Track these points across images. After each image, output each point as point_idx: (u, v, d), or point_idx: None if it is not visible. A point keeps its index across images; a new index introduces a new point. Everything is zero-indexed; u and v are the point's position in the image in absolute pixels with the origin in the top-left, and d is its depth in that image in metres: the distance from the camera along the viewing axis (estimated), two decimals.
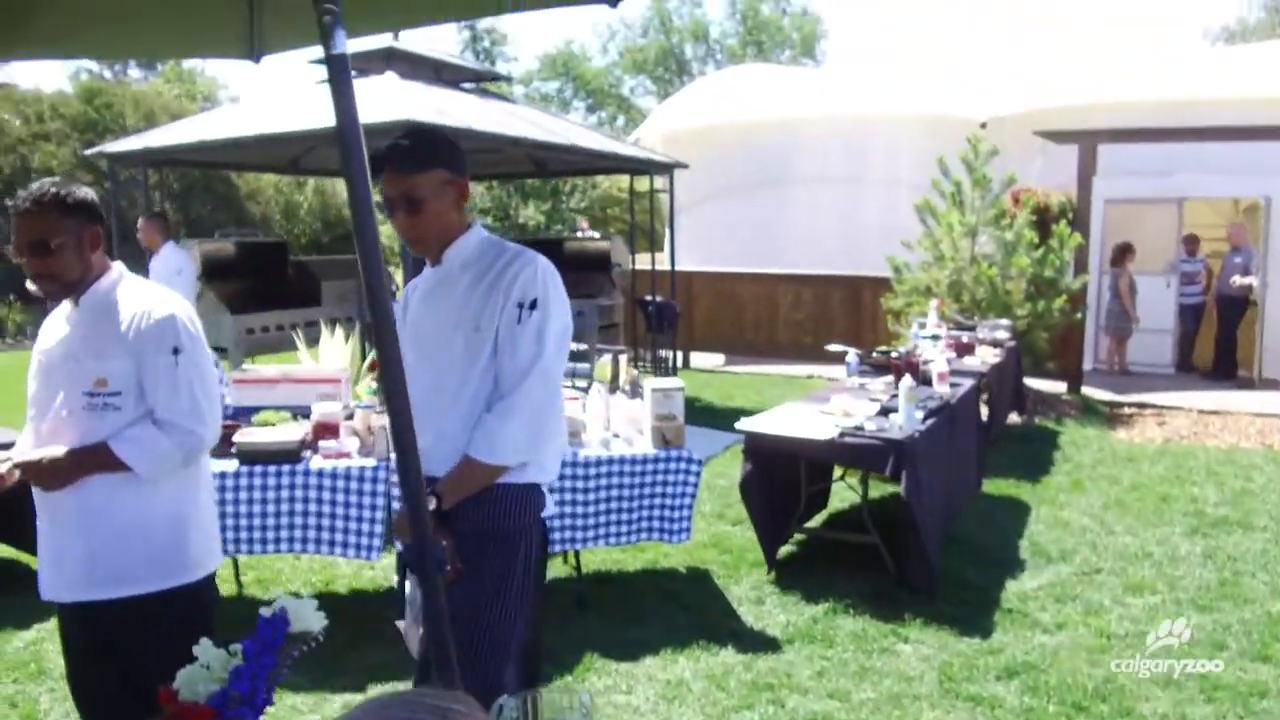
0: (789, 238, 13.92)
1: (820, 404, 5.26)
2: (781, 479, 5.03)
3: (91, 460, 2.40)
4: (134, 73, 31.49)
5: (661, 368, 10.51)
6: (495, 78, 11.70)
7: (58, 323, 2.57)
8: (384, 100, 7.15)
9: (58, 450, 2.42)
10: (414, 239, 2.48)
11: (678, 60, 39.74)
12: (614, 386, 4.93)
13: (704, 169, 12.38)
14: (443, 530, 2.36)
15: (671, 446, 4.39)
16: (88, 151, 10.01)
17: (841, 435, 4.66)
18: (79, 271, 2.47)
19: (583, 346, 10.78)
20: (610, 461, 4.35)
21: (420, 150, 2.42)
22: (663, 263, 11.83)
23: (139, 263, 7.83)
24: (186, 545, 2.53)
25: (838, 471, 5.59)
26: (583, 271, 10.75)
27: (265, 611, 1.48)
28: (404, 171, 2.39)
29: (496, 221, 22.33)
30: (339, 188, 21.70)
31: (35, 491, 2.51)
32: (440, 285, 2.52)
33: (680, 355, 11.64)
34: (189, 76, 31.86)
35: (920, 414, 4.89)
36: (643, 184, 11.44)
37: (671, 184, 10.31)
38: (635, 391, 4.93)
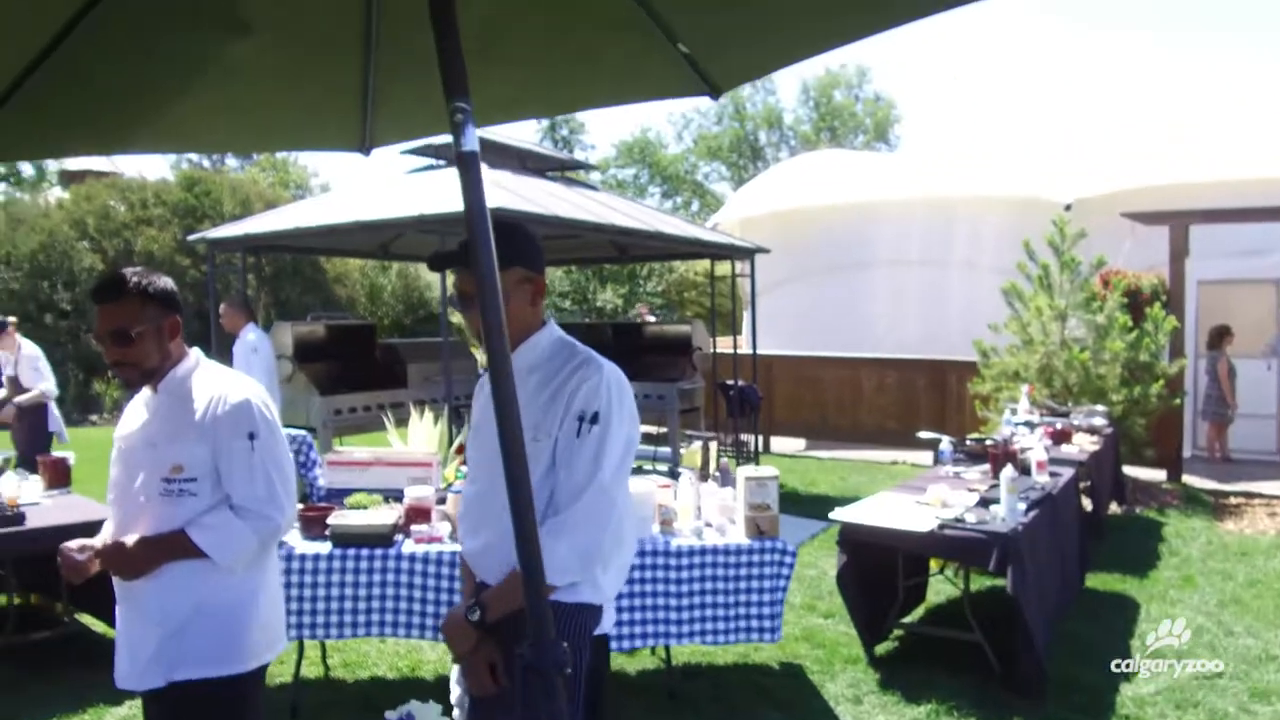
0: (869, 321, 13.82)
1: (916, 494, 5.12)
2: (878, 571, 4.87)
3: (169, 549, 2.42)
4: (231, 162, 33.00)
5: (743, 453, 10.39)
6: (578, 166, 11.94)
7: (138, 408, 2.61)
8: None
9: (136, 539, 2.43)
10: (475, 333, 2.45)
11: (751, 146, 40.30)
12: (704, 474, 4.87)
13: (783, 253, 12.40)
14: (488, 644, 2.28)
15: (766, 537, 4.29)
16: (191, 237, 10.43)
17: (941, 527, 4.51)
18: (158, 360, 2.51)
19: (662, 429, 10.75)
20: (703, 551, 4.26)
21: (499, 248, 2.33)
22: (742, 346, 11.80)
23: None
24: (246, 634, 2.51)
25: (935, 564, 5.41)
26: (663, 355, 10.77)
27: (392, 716, 1.44)
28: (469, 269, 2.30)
29: (575, 305, 22.64)
30: (421, 271, 22.25)
31: (115, 578, 2.53)
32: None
33: (760, 439, 11.51)
34: (282, 165, 33.27)
35: (1022, 505, 4.72)
36: (722, 268, 11.49)
37: (753, 268, 10.32)
38: (725, 479, 4.85)
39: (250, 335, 8.07)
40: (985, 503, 4.83)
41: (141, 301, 2.47)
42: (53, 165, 27.93)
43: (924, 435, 6.69)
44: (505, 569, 2.27)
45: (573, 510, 2.24)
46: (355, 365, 10.07)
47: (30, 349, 8.03)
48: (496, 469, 2.34)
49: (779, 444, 12.68)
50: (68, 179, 24.67)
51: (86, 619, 5.18)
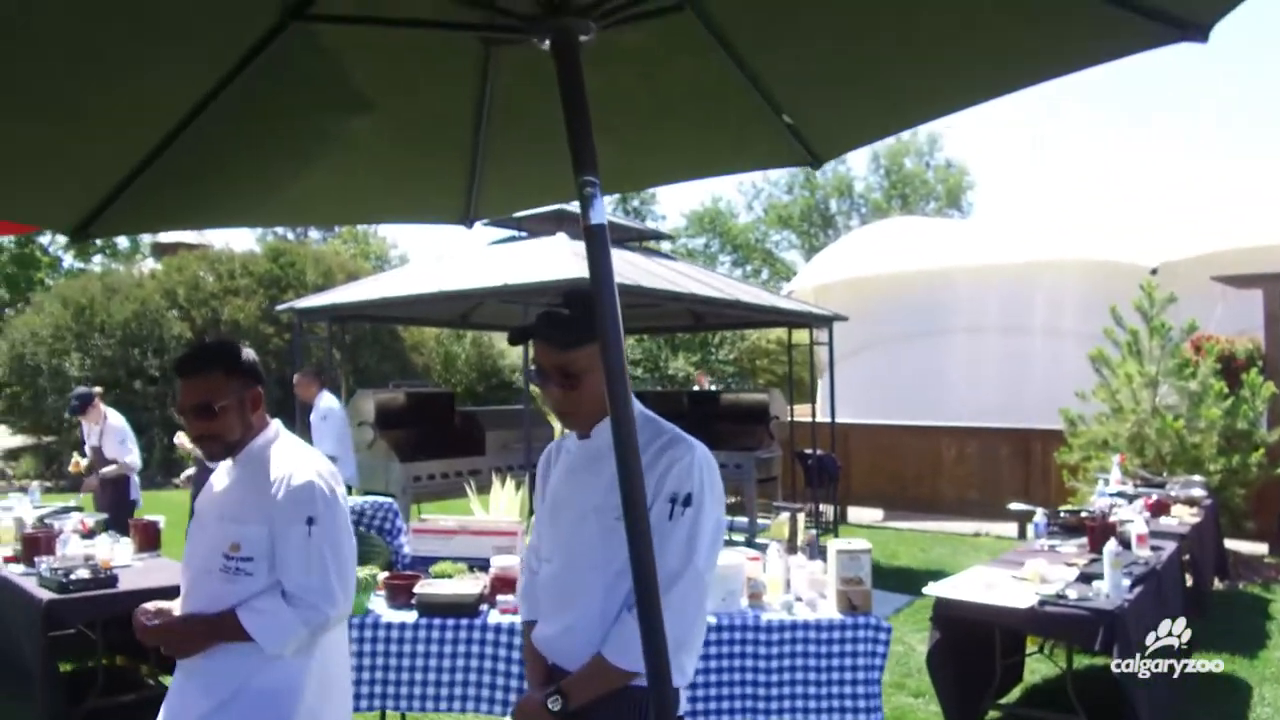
0: (946, 388, 13.59)
1: (1011, 568, 4.94)
2: (972, 649, 4.70)
3: (218, 630, 2.39)
4: (313, 234, 34.08)
5: (820, 524, 10.21)
6: (653, 236, 12.08)
7: (220, 477, 2.60)
8: (559, 260, 7.44)
9: (187, 617, 2.43)
10: (566, 413, 2.29)
11: (822, 215, 40.38)
12: (792, 545, 4.76)
13: (857, 320, 12.31)
14: None
15: (859, 612, 4.17)
16: (280, 308, 10.75)
17: (1042, 604, 4.34)
18: (240, 432, 2.49)
19: (734, 499, 10.63)
20: (794, 626, 4.14)
21: (579, 322, 2.19)
22: (817, 414, 11.67)
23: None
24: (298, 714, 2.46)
25: (1032, 642, 5.20)
26: (740, 423, 10.69)
27: None
28: (562, 346, 2.20)
29: (646, 373, 22.73)
30: (495, 340, 22.55)
31: None
32: (588, 462, 2.29)
33: (836, 510, 11.31)
34: (363, 238, 34.26)
35: (1126, 581, 4.53)
36: (797, 336, 11.45)
37: (831, 336, 10.25)
38: (813, 551, 4.75)
39: (322, 403, 8.30)
40: (1087, 578, 4.64)
41: (225, 375, 2.47)
42: (146, 237, 29.12)
43: (1015, 507, 6.49)
44: (584, 653, 2.20)
45: (668, 597, 2.12)
46: (434, 432, 10.18)
47: (116, 421, 8.27)
48: (576, 548, 2.27)
49: (856, 514, 12.44)
50: (160, 251, 25.70)
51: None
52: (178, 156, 2.15)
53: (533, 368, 2.26)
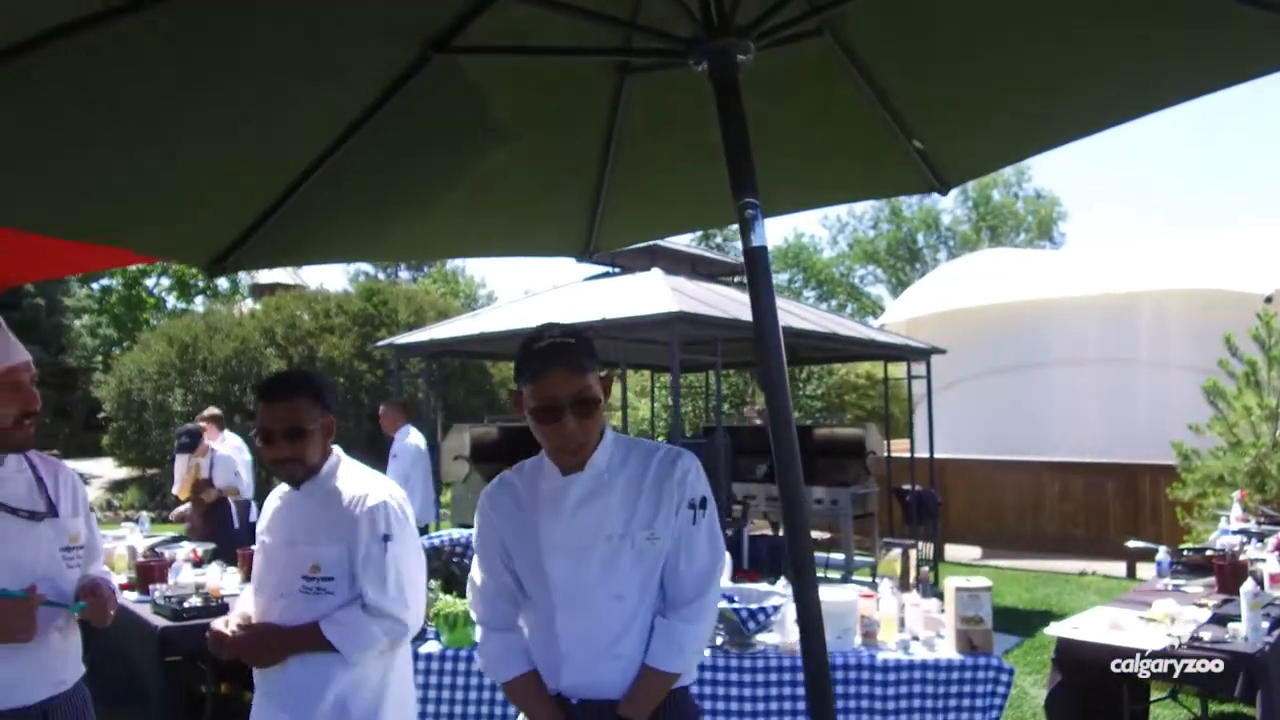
0: (1044, 422, 13.19)
1: (1136, 608, 4.72)
2: (1096, 694, 4.48)
3: (301, 641, 2.49)
4: (404, 274, 34.90)
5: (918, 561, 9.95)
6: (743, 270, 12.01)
7: (276, 504, 2.70)
8: (655, 294, 7.45)
9: (268, 627, 2.52)
10: (577, 445, 2.18)
11: (909, 249, 39.84)
12: (904, 583, 4.64)
13: (952, 354, 12.06)
14: None
15: (979, 652, 4.02)
16: (380, 344, 10.98)
17: (1175, 646, 4.13)
18: (319, 457, 2.60)
19: (826, 535, 10.41)
20: (911, 666, 4.02)
21: (585, 348, 2.18)
22: (906, 449, 11.42)
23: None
24: None
25: (1158, 688, 4.95)
26: (834, 458, 10.49)
27: None
28: (579, 370, 2.13)
29: (732, 409, 22.54)
30: None
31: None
32: (590, 495, 2.22)
33: (935, 547, 11.03)
34: (452, 277, 34.94)
35: (1265, 623, 4.28)
36: (890, 370, 11.27)
37: (928, 369, 10.05)
38: (926, 589, 4.62)
39: (403, 437, 8.62)
40: (1221, 619, 4.41)
41: (312, 399, 2.58)
42: (245, 279, 30.16)
43: (1133, 544, 6.22)
44: (629, 675, 2.20)
45: (705, 596, 2.24)
46: None
47: (227, 451, 8.47)
48: (593, 580, 2.18)
49: (953, 552, 12.09)
50: (258, 291, 26.56)
51: None
52: (310, 193, 2.20)
53: (535, 405, 2.14)
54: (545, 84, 2.06)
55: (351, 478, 2.64)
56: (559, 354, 2.13)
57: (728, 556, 2.38)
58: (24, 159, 1.74)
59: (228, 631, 2.60)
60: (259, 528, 2.77)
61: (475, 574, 2.36)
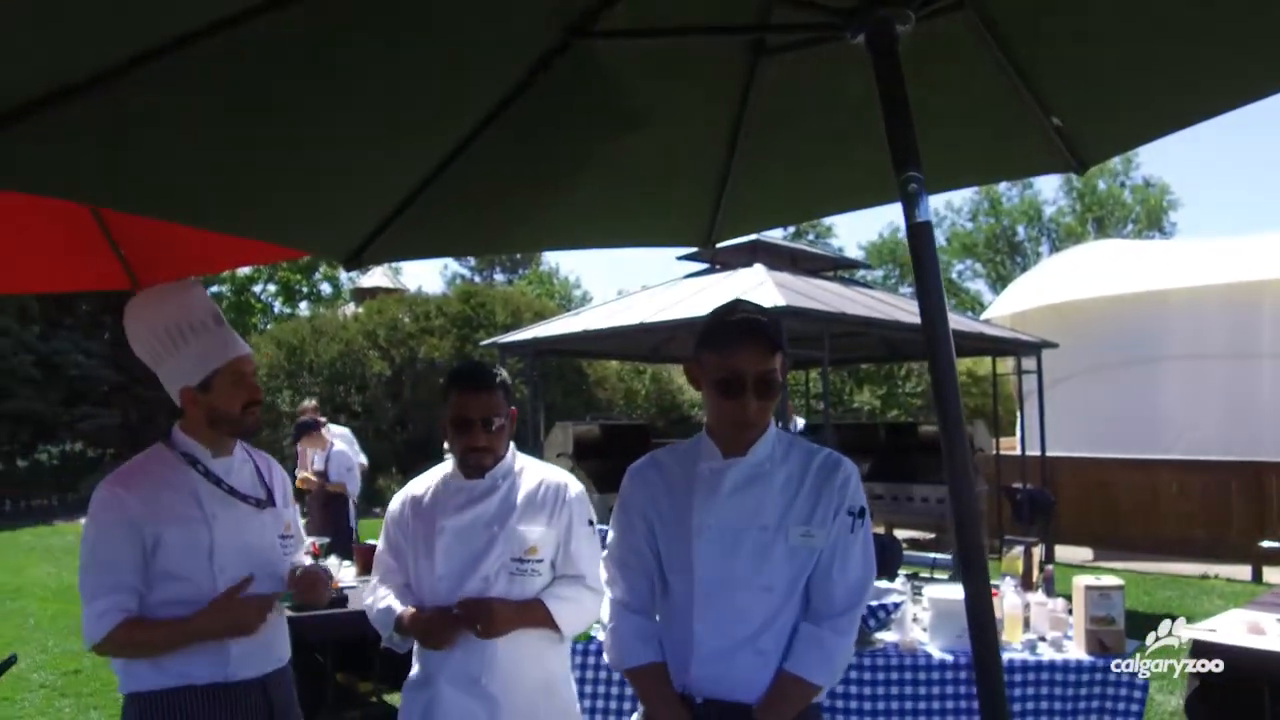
0: (1160, 419, 12.66)
1: (1273, 611, 4.49)
2: (1237, 698, 4.27)
3: (528, 615, 2.55)
4: (499, 276, 35.45)
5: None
6: (847, 264, 11.85)
7: (441, 490, 2.69)
8: (757, 290, 7.39)
9: (499, 600, 2.52)
10: (751, 423, 2.17)
11: (1009, 242, 38.81)
12: (1027, 582, 4.49)
13: (1062, 348, 11.69)
14: None
15: (1111, 654, 3.87)
16: (483, 343, 11.17)
17: None
18: (504, 449, 2.67)
19: (928, 535, 10.19)
20: (1039, 667, 3.89)
21: (775, 330, 2.18)
22: (1016, 448, 11.10)
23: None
24: (574, 703, 2.75)
25: None
26: (939, 456, 10.26)
27: None
28: (769, 350, 2.11)
29: (832, 407, 22.32)
30: (675, 375, 22.70)
31: (428, 658, 2.59)
32: (748, 481, 2.21)
33: (1046, 548, 10.69)
34: (547, 277, 35.38)
35: None
36: (994, 366, 10.95)
37: (1039, 364, 9.74)
38: (1049, 588, 4.46)
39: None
40: None
41: (504, 392, 2.65)
42: (346, 283, 31.02)
43: (1269, 545, 5.92)
44: (764, 674, 2.15)
45: (856, 609, 2.20)
46: (630, 463, 10.24)
47: (343, 446, 8.72)
48: (739, 569, 2.14)
49: (1063, 553, 11.70)
50: (360, 295, 27.27)
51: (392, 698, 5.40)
52: (443, 185, 2.22)
53: (724, 377, 2.12)
54: (675, 69, 2.04)
55: (538, 467, 2.76)
56: (753, 329, 2.12)
57: None
58: (192, 157, 1.79)
59: (427, 615, 2.55)
60: (441, 520, 2.66)
61: (614, 552, 2.35)
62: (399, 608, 2.60)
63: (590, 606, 2.62)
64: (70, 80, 1.46)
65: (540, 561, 2.59)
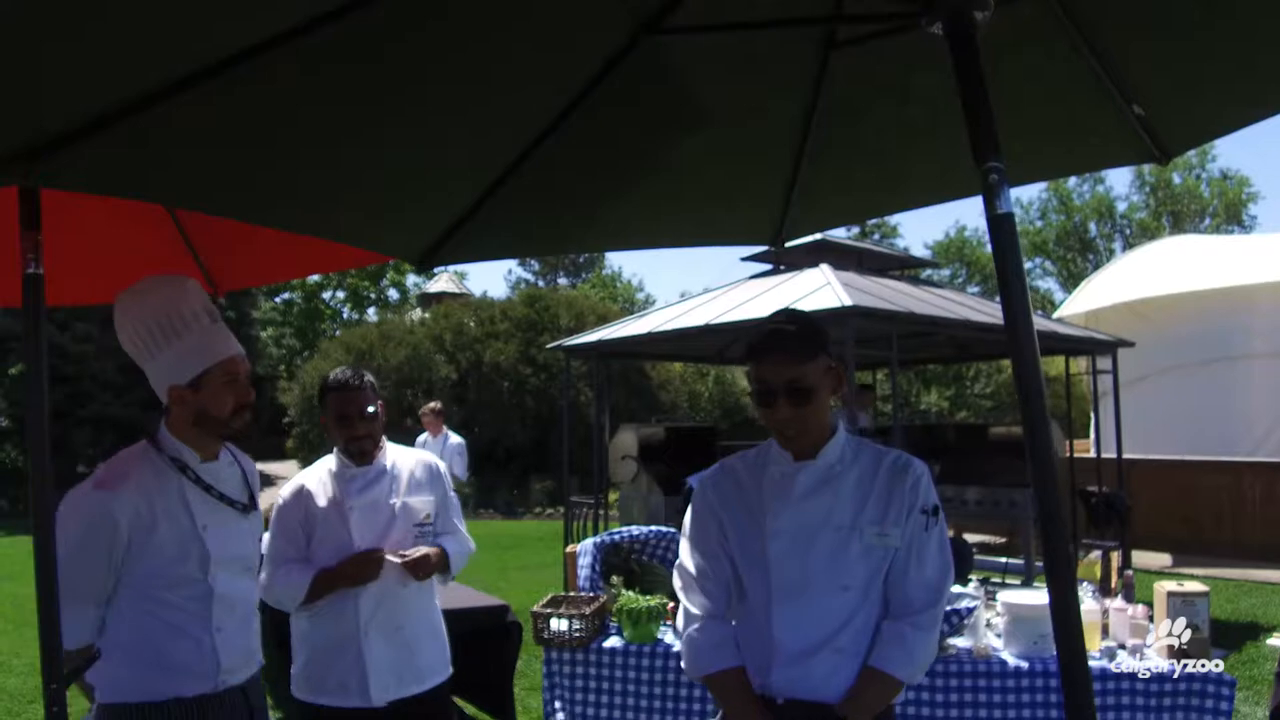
0: (1244, 420, 12.23)
1: None
2: None
3: (439, 561, 3.11)
4: (562, 279, 35.69)
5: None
6: (914, 264, 11.67)
7: (345, 479, 3.07)
8: (823, 290, 7.31)
9: (427, 551, 3.05)
10: (797, 431, 2.20)
11: (1080, 239, 37.91)
12: (1106, 588, 4.37)
13: (1138, 346, 11.36)
14: None
15: (1194, 663, 3.73)
16: (550, 346, 11.24)
17: None
18: (381, 434, 3.16)
19: (999, 539, 9.97)
20: (1119, 676, 3.76)
21: (809, 336, 2.19)
22: (1090, 449, 10.80)
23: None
24: (448, 644, 3.26)
25: None
26: (1011, 458, 10.05)
27: None
28: (795, 358, 2.14)
29: (900, 409, 22.11)
30: (738, 377, 22.60)
31: (359, 614, 2.97)
32: (820, 484, 2.23)
33: (1122, 553, 10.40)
34: (610, 281, 35.52)
35: None
36: (1059, 365, 10.67)
37: (1115, 363, 9.47)
38: (1129, 594, 4.33)
39: (447, 439, 9.71)
40: None
41: (371, 389, 3.14)
42: (413, 289, 31.51)
43: None
44: (845, 672, 2.17)
45: (936, 606, 2.21)
46: (696, 466, 10.20)
47: (457, 439, 9.26)
48: (817, 571, 2.16)
49: (1140, 558, 11.34)
50: (426, 301, 27.67)
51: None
52: (514, 186, 2.22)
53: (756, 387, 2.20)
54: (745, 65, 2.02)
55: (407, 452, 3.29)
56: (776, 340, 2.17)
57: None
58: (272, 160, 1.82)
59: (395, 558, 3.02)
60: (310, 503, 3.09)
61: (688, 560, 2.35)
62: (311, 572, 2.97)
63: (466, 553, 3.26)
64: (159, 86, 1.49)
65: (432, 526, 3.17)
